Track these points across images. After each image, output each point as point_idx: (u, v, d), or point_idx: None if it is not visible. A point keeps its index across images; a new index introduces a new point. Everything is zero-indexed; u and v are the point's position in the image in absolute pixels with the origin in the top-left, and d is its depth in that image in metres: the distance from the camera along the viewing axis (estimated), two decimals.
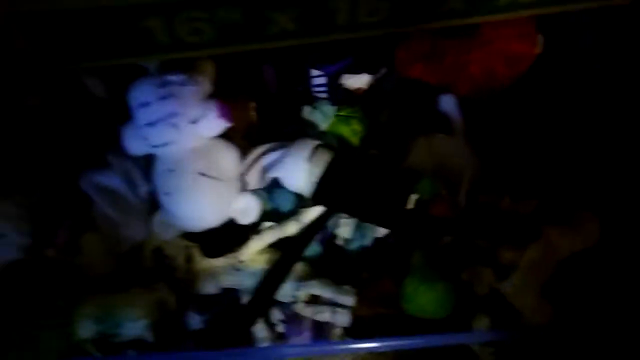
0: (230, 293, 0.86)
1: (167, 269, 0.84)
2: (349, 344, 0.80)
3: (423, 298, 0.80)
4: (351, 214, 0.82)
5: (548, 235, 0.75)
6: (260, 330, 0.84)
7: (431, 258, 0.82)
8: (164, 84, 0.76)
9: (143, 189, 0.82)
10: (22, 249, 0.80)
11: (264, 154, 0.85)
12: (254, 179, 0.84)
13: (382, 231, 0.84)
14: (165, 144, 0.77)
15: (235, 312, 0.86)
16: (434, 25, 0.78)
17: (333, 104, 0.96)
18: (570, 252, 0.79)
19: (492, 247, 0.78)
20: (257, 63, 0.96)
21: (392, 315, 0.81)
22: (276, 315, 0.85)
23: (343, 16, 0.71)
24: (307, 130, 0.94)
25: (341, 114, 0.96)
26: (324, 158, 0.82)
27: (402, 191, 0.80)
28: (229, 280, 0.85)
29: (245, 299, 0.85)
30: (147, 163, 0.83)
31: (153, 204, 0.83)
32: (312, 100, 0.97)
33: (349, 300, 0.80)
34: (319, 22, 0.72)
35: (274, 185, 0.85)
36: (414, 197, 0.80)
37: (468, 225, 0.81)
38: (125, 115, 0.83)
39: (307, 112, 0.96)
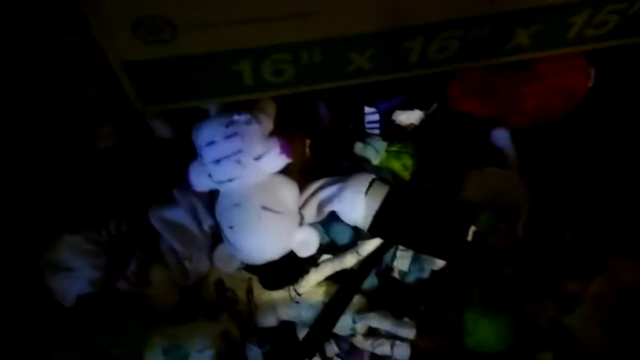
0: (288, 326, 0.88)
1: (228, 301, 0.86)
2: None
3: (483, 332, 0.79)
4: (409, 246, 0.83)
5: (613, 267, 0.74)
6: None
7: (491, 291, 0.81)
8: (230, 124, 0.79)
9: (207, 223, 0.85)
10: (93, 282, 0.84)
11: (320, 188, 0.88)
12: (310, 213, 0.86)
13: (439, 263, 0.85)
14: (230, 180, 0.80)
15: (293, 346, 0.87)
16: (501, 60, 0.80)
17: (385, 140, 0.99)
18: (635, 283, 0.77)
19: (555, 279, 0.77)
20: (311, 100, 0.99)
21: (453, 349, 0.81)
22: (333, 348, 0.86)
23: (415, 55, 0.74)
24: (360, 165, 0.96)
25: (392, 149, 0.98)
26: (381, 191, 0.84)
27: (462, 223, 0.81)
28: (287, 313, 0.86)
29: (302, 332, 0.86)
30: (209, 199, 0.86)
31: (215, 238, 0.87)
32: (364, 136, 1.00)
33: (409, 332, 0.80)
34: (393, 60, 0.75)
35: (331, 219, 0.87)
36: (472, 229, 0.81)
37: (528, 257, 0.81)
38: (187, 154, 0.88)
39: (359, 148, 0.98)
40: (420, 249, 0.83)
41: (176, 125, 0.97)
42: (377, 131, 1.00)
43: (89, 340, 0.71)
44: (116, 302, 0.77)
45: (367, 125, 1.00)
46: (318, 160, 0.99)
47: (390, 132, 1.00)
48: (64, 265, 0.85)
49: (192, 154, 0.85)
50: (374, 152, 0.98)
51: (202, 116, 0.89)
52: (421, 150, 0.99)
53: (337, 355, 0.86)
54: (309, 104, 0.99)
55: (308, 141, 0.98)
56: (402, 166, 0.97)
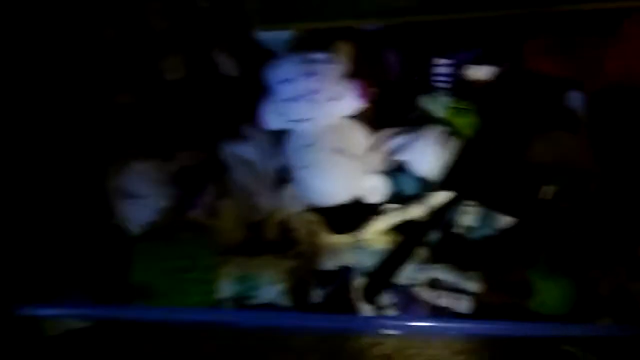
0: (346, 271, 0.88)
1: (291, 241, 0.87)
2: (463, 324, 0.79)
3: (547, 293, 0.79)
4: (480, 201, 0.82)
5: None
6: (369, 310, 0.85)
7: (557, 253, 0.81)
8: (308, 62, 0.78)
9: (275, 162, 0.85)
10: (160, 211, 0.85)
11: (390, 137, 0.86)
12: (377, 161, 0.85)
13: (507, 221, 0.84)
14: (303, 120, 0.79)
15: (349, 291, 0.87)
16: (572, 6, 0.76)
17: (451, 95, 0.97)
18: None
19: (628, 245, 0.76)
20: (381, 48, 0.97)
21: (515, 308, 0.81)
22: (391, 297, 0.86)
23: None
24: (426, 118, 0.95)
25: (457, 105, 0.96)
26: (455, 144, 0.82)
27: (534, 182, 0.79)
28: (348, 258, 0.87)
29: (358, 279, 0.87)
30: (277, 138, 0.86)
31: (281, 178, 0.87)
32: (429, 90, 0.98)
33: (474, 286, 0.80)
34: None
35: (398, 169, 0.86)
36: (544, 190, 0.80)
37: (599, 222, 0.80)
38: (253, 92, 0.87)
39: (424, 101, 0.96)
40: (490, 205, 0.82)
41: (241, 63, 0.96)
42: (444, 85, 0.98)
43: (167, 263, 0.72)
44: (188, 230, 0.78)
45: (435, 79, 0.98)
46: (380, 109, 0.98)
47: (458, 87, 0.98)
48: (133, 192, 0.86)
49: (257, 93, 0.85)
50: (439, 106, 0.96)
51: (267, 56, 0.89)
52: (487, 109, 0.96)
53: (394, 305, 0.86)
54: (379, 51, 0.97)
55: (374, 89, 0.96)
56: (465, 123, 0.95)
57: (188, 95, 0.93)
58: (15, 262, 0.74)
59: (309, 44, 0.87)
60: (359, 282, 0.86)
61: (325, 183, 0.80)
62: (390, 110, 0.97)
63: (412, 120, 0.92)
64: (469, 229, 0.85)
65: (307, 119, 0.79)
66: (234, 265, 0.77)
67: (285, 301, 0.78)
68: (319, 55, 0.79)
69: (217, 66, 0.96)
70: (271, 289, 0.77)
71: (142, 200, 0.85)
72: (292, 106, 0.79)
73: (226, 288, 0.77)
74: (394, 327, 0.85)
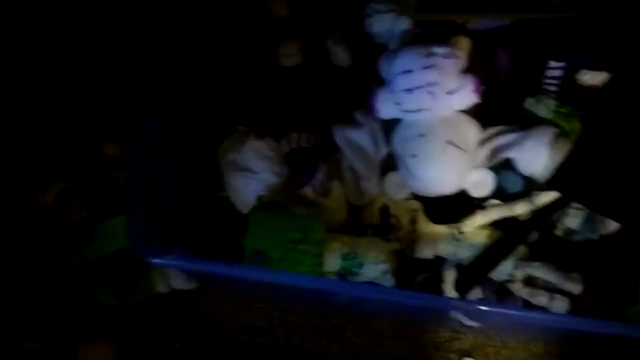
0: (442, 261, 0.91)
1: (390, 227, 0.90)
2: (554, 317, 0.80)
3: None
4: (587, 204, 0.82)
5: None
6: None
7: None
8: (429, 55, 0.81)
9: (383, 149, 0.89)
10: (270, 187, 0.91)
11: (498, 134, 0.88)
12: (485, 157, 0.87)
13: (612, 227, 0.83)
14: (418, 111, 0.82)
15: (442, 282, 0.90)
16: None
17: (558, 98, 0.96)
18: None
19: None
20: (493, 46, 0.98)
21: (611, 313, 0.80)
22: (485, 291, 0.88)
23: None
24: (532, 119, 0.95)
25: (562, 110, 0.96)
26: (565, 145, 0.83)
27: None
28: (445, 249, 0.89)
29: (450, 271, 0.89)
30: (387, 126, 0.89)
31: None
32: (536, 92, 0.98)
33: (575, 287, 0.80)
34: None
35: (504, 166, 0.88)
36: None
37: None
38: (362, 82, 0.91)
39: (530, 103, 0.96)
40: (597, 209, 0.82)
41: (354, 53, 1.00)
42: (553, 88, 0.98)
43: (281, 233, 0.77)
44: (301, 205, 0.83)
45: (545, 81, 0.98)
46: (486, 107, 0.99)
47: (566, 91, 0.97)
48: (246, 166, 0.91)
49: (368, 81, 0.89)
50: (544, 109, 0.96)
51: (379, 50, 0.92)
52: (598, 114, 0.95)
53: (485, 299, 0.88)
54: (491, 50, 0.98)
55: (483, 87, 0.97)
56: (569, 128, 0.94)
57: (303, 82, 0.98)
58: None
59: (422, 38, 0.90)
60: (452, 273, 0.89)
61: (434, 173, 0.82)
62: (496, 108, 0.99)
63: (518, 120, 0.93)
64: (572, 231, 0.85)
65: (422, 110, 0.82)
66: (341, 242, 0.82)
67: (386, 281, 0.82)
68: (440, 49, 0.81)
69: (331, 55, 1.01)
70: (375, 267, 0.81)
71: (255, 175, 0.91)
72: (409, 97, 0.82)
73: (332, 262, 0.81)
74: (483, 315, 0.86)
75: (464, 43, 0.86)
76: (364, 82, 0.94)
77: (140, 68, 0.99)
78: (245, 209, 0.94)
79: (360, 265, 0.81)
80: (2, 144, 1.10)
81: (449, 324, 1.02)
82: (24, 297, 1.00)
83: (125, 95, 1.05)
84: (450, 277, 0.88)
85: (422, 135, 0.82)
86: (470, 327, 0.98)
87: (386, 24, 0.94)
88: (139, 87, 0.95)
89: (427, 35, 0.90)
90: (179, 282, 1.02)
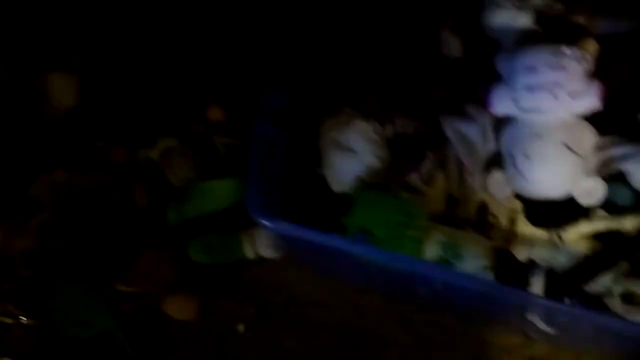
0: (535, 266, 0.90)
1: (487, 225, 0.90)
2: None
3: None
4: None
5: None
6: None
7: None
8: (557, 55, 0.79)
9: (490, 145, 0.88)
10: (370, 170, 0.92)
11: (613, 144, 0.86)
12: (598, 165, 0.85)
13: None
14: (537, 110, 0.81)
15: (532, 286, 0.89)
16: None
17: None
18: None
19: None
20: (613, 56, 0.95)
21: None
22: (576, 302, 0.86)
23: None
24: None
25: None
26: None
27: None
28: (541, 254, 0.88)
29: (538, 279, 0.87)
30: (498, 122, 0.89)
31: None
32: None
33: None
34: None
35: (615, 177, 0.85)
36: None
37: None
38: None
39: None
40: None
41: (467, 45, 0.99)
42: None
43: (387, 214, 0.79)
44: (405, 190, 0.84)
45: None
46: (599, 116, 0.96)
47: None
48: (349, 146, 0.93)
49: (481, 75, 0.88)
50: None
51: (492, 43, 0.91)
52: None
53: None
54: (612, 56, 0.95)
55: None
56: None
57: (409, 66, 0.98)
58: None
59: (543, 37, 0.88)
60: (541, 279, 0.88)
61: (546, 176, 0.81)
62: (609, 117, 0.96)
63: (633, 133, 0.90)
64: None
65: (542, 111, 0.81)
66: (443, 232, 0.82)
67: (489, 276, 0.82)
68: (569, 50, 0.79)
69: (442, 44, 1.01)
70: (474, 262, 0.81)
71: (357, 156, 0.92)
72: (530, 95, 0.81)
73: (432, 251, 0.82)
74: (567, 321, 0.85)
75: (592, 46, 0.83)
76: (474, 74, 0.93)
77: (272, 38, 1.01)
78: (340, 188, 0.96)
79: (460, 258, 0.82)
80: (120, 95, 1.16)
81: (523, 328, 1.01)
82: (120, 245, 1.06)
83: (242, 62, 1.08)
84: (538, 282, 0.87)
85: (538, 136, 0.81)
86: (544, 334, 0.96)
87: (505, 19, 0.92)
88: (269, 56, 0.98)
89: (550, 34, 0.88)
90: (266, 250, 1.05)
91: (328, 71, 0.99)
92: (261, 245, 1.05)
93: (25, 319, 1.07)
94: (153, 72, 1.16)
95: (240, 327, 1.08)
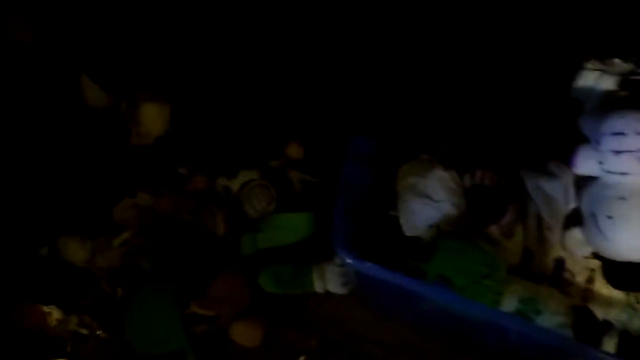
0: (609, 326, 0.89)
1: (563, 281, 0.90)
2: None
3: None
4: None
5: None
6: None
7: None
8: None
9: (572, 203, 0.90)
10: (445, 218, 0.94)
11: None
12: None
13: None
14: (623, 174, 0.83)
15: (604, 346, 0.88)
16: None
17: None
18: None
19: None
20: None
21: None
22: None
23: None
24: None
25: None
26: None
27: None
28: (617, 315, 0.88)
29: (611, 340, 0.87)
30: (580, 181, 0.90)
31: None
32: None
33: None
34: None
35: None
36: None
37: None
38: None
39: None
40: None
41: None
42: None
43: (468, 263, 0.81)
44: (484, 241, 0.86)
45: None
46: None
47: None
48: (428, 193, 0.96)
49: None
50: None
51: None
52: None
53: None
54: None
55: None
56: None
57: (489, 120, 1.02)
58: None
59: (628, 102, 0.90)
60: (614, 339, 0.87)
61: (629, 238, 0.82)
62: None
63: None
64: None
65: (627, 174, 0.82)
66: (523, 286, 0.84)
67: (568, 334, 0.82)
68: None
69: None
70: (552, 318, 0.82)
71: (434, 203, 0.95)
72: (616, 159, 0.82)
73: (509, 304, 0.83)
74: None
75: None
76: (555, 133, 0.96)
77: (360, 81, 1.06)
78: (412, 232, 0.99)
79: (538, 313, 0.82)
80: (207, 127, 1.22)
81: None
82: (197, 269, 1.10)
83: (326, 105, 1.13)
84: (611, 342, 0.87)
85: (622, 199, 0.82)
86: None
87: (590, 81, 0.95)
88: (358, 101, 1.03)
89: (635, 99, 0.90)
90: (335, 286, 1.08)
91: (412, 117, 1.03)
92: (330, 280, 1.08)
93: (100, 331, 1.12)
94: (240, 106, 1.23)
95: (302, 359, 1.11)
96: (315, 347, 1.12)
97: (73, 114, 1.19)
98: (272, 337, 1.11)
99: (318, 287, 1.09)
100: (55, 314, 1.14)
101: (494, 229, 0.89)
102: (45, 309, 1.13)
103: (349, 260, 0.83)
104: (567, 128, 0.93)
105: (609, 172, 0.84)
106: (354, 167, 0.89)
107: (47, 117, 1.17)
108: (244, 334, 1.09)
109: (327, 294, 1.12)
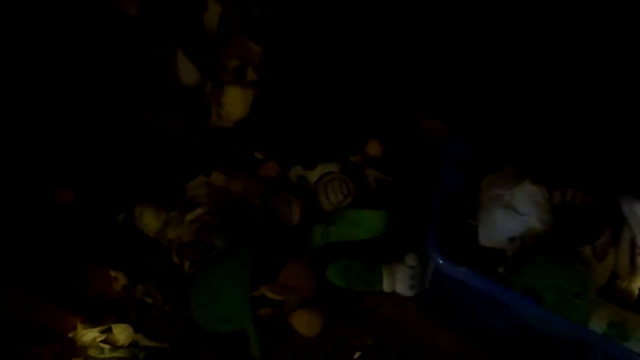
0: None
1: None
2: None
3: None
4: None
5: None
6: None
7: None
8: None
9: None
10: (529, 231, 0.94)
11: None
12: None
13: None
14: None
15: None
16: None
17: None
18: None
19: None
20: None
21: None
22: None
23: None
24: None
25: None
26: None
27: None
28: None
29: None
30: None
31: None
32: None
33: None
34: None
35: None
36: None
37: None
38: None
39: None
40: None
41: None
42: None
43: (560, 281, 0.81)
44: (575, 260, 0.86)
45: None
46: None
47: None
48: (514, 205, 0.95)
49: None
50: None
51: None
52: None
53: None
54: None
55: None
56: None
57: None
58: None
59: None
60: None
61: None
62: None
63: None
64: None
65: None
66: (612, 310, 0.83)
67: None
68: None
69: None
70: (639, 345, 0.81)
71: (520, 216, 0.95)
72: None
73: (597, 325, 0.82)
74: None
75: None
76: None
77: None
78: (489, 243, 0.98)
79: (626, 339, 0.81)
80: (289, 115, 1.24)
81: None
82: (269, 254, 1.12)
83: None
84: None
85: None
86: None
87: None
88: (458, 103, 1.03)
89: None
90: (403, 287, 1.08)
91: (508, 129, 1.03)
92: (399, 281, 1.08)
93: (164, 303, 1.14)
94: (325, 97, 1.24)
95: (357, 355, 1.11)
96: (371, 345, 1.12)
97: (162, 89, 1.21)
98: (329, 330, 1.12)
99: (386, 287, 1.09)
100: (121, 279, 1.16)
101: (587, 250, 0.88)
102: (113, 273, 1.16)
103: (442, 263, 0.83)
104: None
105: None
106: (453, 171, 0.89)
107: (138, 91, 1.20)
108: (305, 323, 1.10)
109: (388, 295, 1.12)
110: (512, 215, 0.95)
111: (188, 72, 1.18)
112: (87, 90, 1.16)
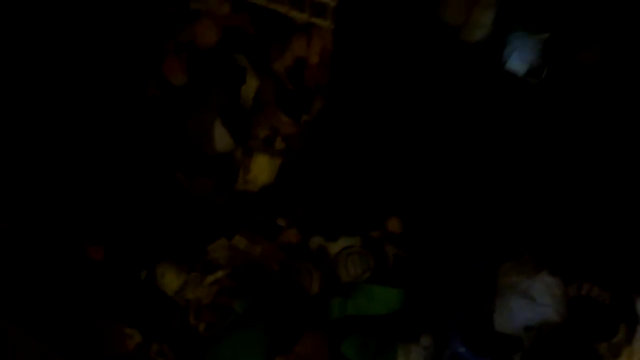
0: None
1: None
2: None
3: None
4: None
5: None
6: None
7: None
8: None
9: None
10: (543, 322, 0.96)
11: None
12: None
13: None
14: None
15: None
16: None
17: None
18: None
19: None
20: None
21: None
22: None
23: None
24: None
25: None
26: None
27: None
28: None
29: None
30: None
31: None
32: None
33: None
34: None
35: None
36: None
37: None
38: None
39: None
40: None
41: None
42: None
43: None
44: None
45: None
46: None
47: None
48: (531, 295, 0.98)
49: None
50: None
51: None
52: None
53: None
54: None
55: None
56: None
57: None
58: None
59: None
60: None
61: None
62: None
63: None
64: None
65: None
66: None
67: None
68: None
69: None
70: None
71: (536, 306, 0.97)
72: None
73: None
74: None
75: None
76: None
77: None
78: (505, 329, 1.00)
79: None
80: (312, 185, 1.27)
81: None
82: (286, 323, 1.13)
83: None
84: None
85: None
86: None
87: None
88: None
89: None
90: None
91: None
92: None
93: None
94: (350, 171, 1.28)
95: None
96: None
97: (195, 153, 1.27)
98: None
99: None
100: (136, 337, 1.17)
101: (603, 347, 0.90)
102: (128, 330, 1.17)
103: (464, 352, 0.85)
104: None
105: None
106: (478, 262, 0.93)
107: (172, 154, 1.25)
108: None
109: None
110: (529, 304, 0.98)
111: (223, 140, 1.24)
112: (126, 150, 1.21)
